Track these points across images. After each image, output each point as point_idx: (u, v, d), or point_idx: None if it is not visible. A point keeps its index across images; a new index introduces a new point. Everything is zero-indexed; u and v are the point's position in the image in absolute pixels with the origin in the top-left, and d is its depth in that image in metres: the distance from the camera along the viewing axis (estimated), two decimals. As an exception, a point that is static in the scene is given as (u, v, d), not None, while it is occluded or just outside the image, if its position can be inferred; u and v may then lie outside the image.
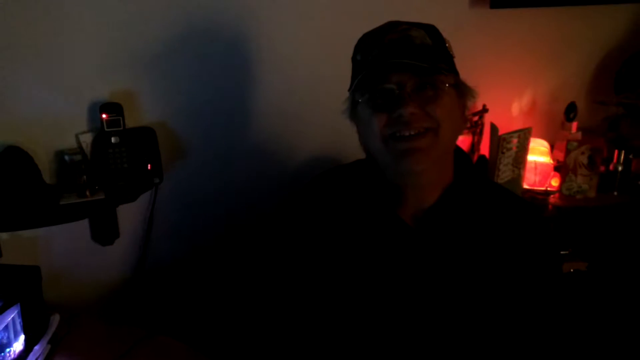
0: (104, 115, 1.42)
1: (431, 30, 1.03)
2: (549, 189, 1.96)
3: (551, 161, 1.99)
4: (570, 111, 2.08)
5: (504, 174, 1.77)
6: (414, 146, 0.97)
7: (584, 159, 1.95)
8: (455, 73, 1.04)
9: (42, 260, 1.47)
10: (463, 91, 1.04)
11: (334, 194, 1.14)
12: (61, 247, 1.51)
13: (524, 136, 1.81)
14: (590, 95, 2.32)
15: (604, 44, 2.34)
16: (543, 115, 2.24)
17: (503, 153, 1.75)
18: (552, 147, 2.11)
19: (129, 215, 1.58)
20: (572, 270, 2.19)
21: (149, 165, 1.48)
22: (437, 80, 0.98)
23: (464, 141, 1.96)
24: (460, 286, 1.02)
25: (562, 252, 2.17)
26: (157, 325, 1.41)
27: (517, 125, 2.12)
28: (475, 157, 1.92)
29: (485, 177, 1.19)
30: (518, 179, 1.86)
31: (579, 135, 2.04)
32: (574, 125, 2.08)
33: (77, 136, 1.45)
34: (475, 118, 1.94)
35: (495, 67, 2.11)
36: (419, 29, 1.01)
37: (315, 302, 1.10)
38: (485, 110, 1.97)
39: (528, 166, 1.91)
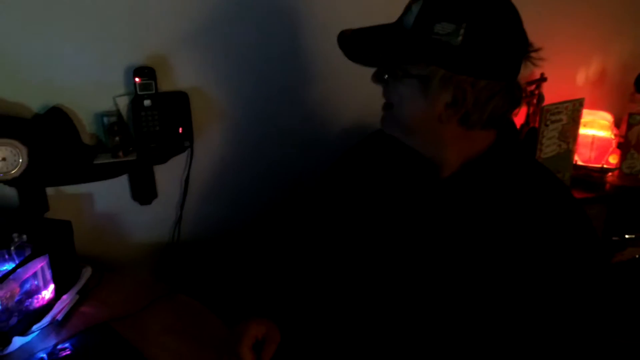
0: (137, 79, 1.46)
1: (429, 6, 0.98)
2: (605, 166, 1.82)
3: (612, 136, 1.85)
4: (640, 82, 1.91)
5: (548, 149, 1.67)
6: (382, 114, 1.09)
7: (647, 135, 1.80)
8: (430, 62, 0.97)
9: (85, 216, 1.58)
10: (441, 85, 0.97)
11: (379, 151, 1.22)
12: (103, 205, 1.60)
13: (573, 107, 1.68)
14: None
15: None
16: (612, 86, 2.08)
17: (547, 126, 1.64)
18: (619, 121, 1.96)
19: (168, 177, 1.64)
20: (637, 256, 2.06)
21: (180, 129, 1.52)
22: (391, 69, 1.03)
23: (520, 113, 1.86)
24: (455, 255, 1.02)
25: (626, 237, 2.04)
26: (181, 285, 1.46)
27: (583, 95, 1.98)
28: (525, 130, 1.81)
29: (521, 152, 1.11)
30: (567, 154, 1.74)
31: (646, 108, 1.88)
32: (644, 97, 1.91)
33: (114, 99, 1.51)
34: (531, 87, 1.82)
35: (561, 31, 1.97)
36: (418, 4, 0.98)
37: (334, 237, 1.24)
38: (543, 79, 1.85)
39: (583, 141, 1.79)
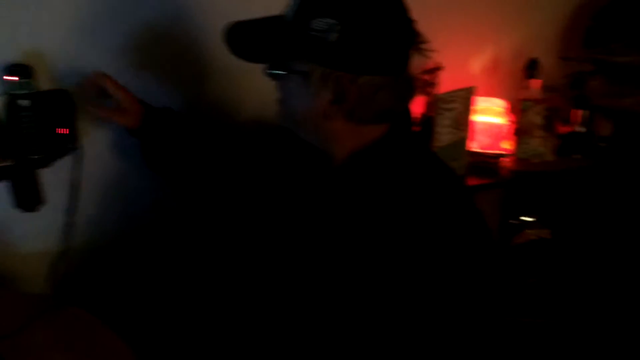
0: (10, 77, 1.35)
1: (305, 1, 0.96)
2: (500, 152, 1.88)
3: (507, 122, 1.91)
4: (531, 68, 1.98)
5: (443, 137, 1.70)
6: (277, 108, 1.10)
7: (538, 120, 1.86)
8: (309, 59, 0.96)
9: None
10: (321, 82, 0.97)
11: (280, 142, 1.22)
12: (-18, 214, 1.48)
13: (465, 95, 1.72)
14: (558, 51, 2.21)
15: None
16: (506, 74, 2.14)
17: (441, 114, 1.66)
18: (515, 108, 2.02)
19: (55, 181, 1.53)
20: (536, 238, 2.14)
21: (61, 130, 1.43)
22: (275, 64, 1.03)
23: (418, 102, 1.88)
24: (335, 242, 1.04)
25: (523, 219, 2.11)
26: (74, 296, 1.38)
27: (478, 84, 2.03)
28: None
29: (412, 143, 1.11)
30: (462, 141, 1.78)
31: (537, 94, 1.94)
32: (535, 83, 1.98)
33: (-12, 100, 1.39)
34: (427, 77, 1.85)
35: (455, 23, 2.01)
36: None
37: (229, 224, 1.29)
38: (437, 68, 1.88)
39: (479, 127, 1.83)
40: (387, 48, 0.96)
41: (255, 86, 1.65)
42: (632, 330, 2.04)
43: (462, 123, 1.77)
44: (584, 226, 2.19)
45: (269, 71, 1.04)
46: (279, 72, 1.02)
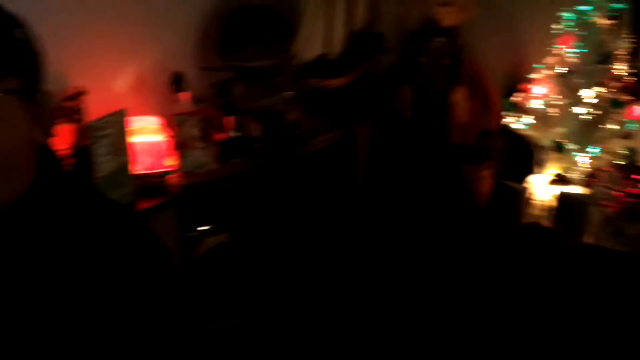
0: None
1: None
2: (164, 169, 1.84)
3: (166, 139, 1.88)
4: (177, 82, 1.98)
5: (104, 166, 1.59)
6: None
7: (195, 132, 1.89)
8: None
9: None
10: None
11: None
12: None
13: (117, 119, 1.64)
14: (199, 62, 2.26)
15: (201, 7, 2.30)
16: (154, 90, 2.11)
17: (96, 143, 1.55)
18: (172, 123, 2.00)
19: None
20: (216, 244, 2.18)
21: None
22: None
23: (65, 133, 1.71)
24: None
25: (200, 230, 2.13)
26: None
27: (129, 104, 1.94)
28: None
29: (63, 187, 0.96)
30: (124, 167, 1.69)
31: (189, 107, 1.96)
32: (184, 96, 1.99)
33: None
34: (70, 104, 1.69)
35: (92, 45, 1.90)
36: None
37: None
38: (80, 93, 1.74)
39: (139, 148, 1.76)
40: None
41: None
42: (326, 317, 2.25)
43: (120, 148, 1.68)
44: (258, 222, 2.32)
45: None
46: None
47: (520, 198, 2.61)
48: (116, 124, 1.65)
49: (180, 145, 1.91)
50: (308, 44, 2.43)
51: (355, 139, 2.69)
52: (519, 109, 2.61)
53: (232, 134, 2.07)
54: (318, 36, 2.49)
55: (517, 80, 2.77)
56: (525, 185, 2.59)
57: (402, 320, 2.26)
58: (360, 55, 2.68)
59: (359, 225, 2.63)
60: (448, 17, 2.75)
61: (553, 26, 2.49)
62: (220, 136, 2.05)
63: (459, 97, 2.82)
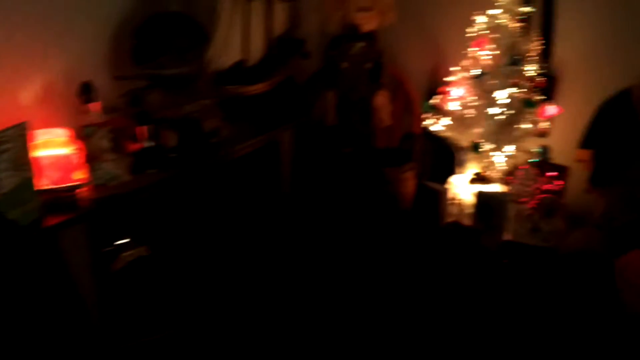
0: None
1: None
2: (73, 183, 1.77)
3: (74, 151, 1.80)
4: (86, 92, 1.91)
5: (4, 182, 1.51)
6: None
7: (105, 143, 1.82)
8: None
9: None
10: None
11: None
12: None
13: (17, 133, 1.56)
14: (110, 71, 2.19)
15: (111, 15, 2.22)
16: (62, 101, 2.02)
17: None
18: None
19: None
20: (134, 257, 2.11)
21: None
22: None
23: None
24: None
25: (117, 244, 2.06)
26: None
27: (33, 116, 1.85)
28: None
29: None
30: (27, 182, 1.61)
31: (99, 117, 1.89)
32: (94, 106, 1.92)
33: None
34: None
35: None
36: None
37: None
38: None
39: (45, 162, 1.68)
40: None
41: None
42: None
43: (22, 162, 1.60)
44: (178, 234, 2.26)
45: None
46: None
47: (442, 198, 2.65)
48: (16, 137, 1.57)
49: (90, 158, 1.84)
50: (224, 51, 2.40)
51: (278, 145, 2.68)
52: (438, 111, 2.65)
53: (146, 144, 2.01)
54: (235, 42, 2.46)
55: (436, 83, 2.81)
56: (447, 185, 2.63)
57: (329, 324, 2.25)
58: (280, 61, 2.67)
59: (284, 232, 2.62)
60: (368, 22, 2.77)
61: (468, 30, 2.55)
62: (133, 147, 1.98)
63: (381, 101, 2.85)
